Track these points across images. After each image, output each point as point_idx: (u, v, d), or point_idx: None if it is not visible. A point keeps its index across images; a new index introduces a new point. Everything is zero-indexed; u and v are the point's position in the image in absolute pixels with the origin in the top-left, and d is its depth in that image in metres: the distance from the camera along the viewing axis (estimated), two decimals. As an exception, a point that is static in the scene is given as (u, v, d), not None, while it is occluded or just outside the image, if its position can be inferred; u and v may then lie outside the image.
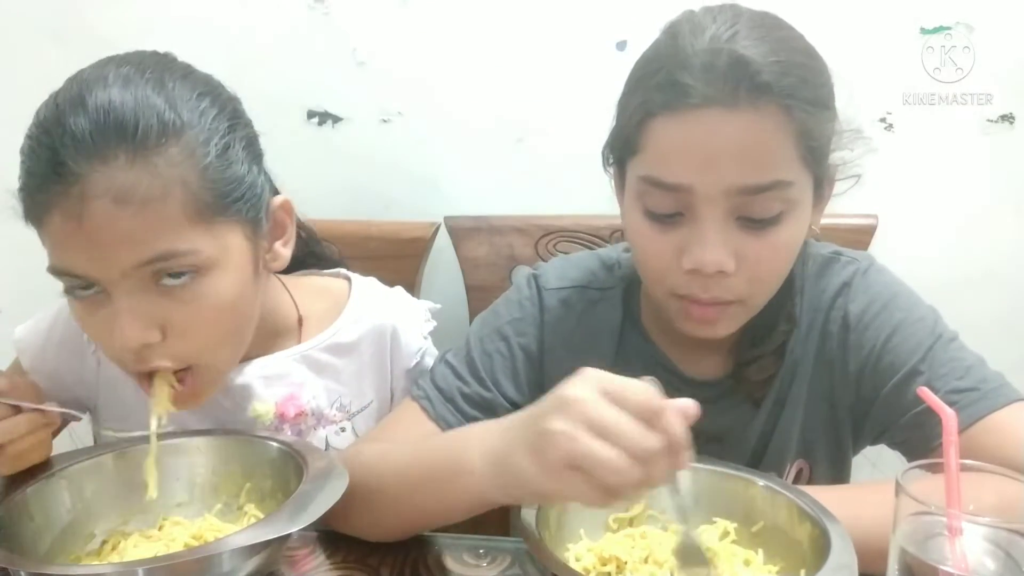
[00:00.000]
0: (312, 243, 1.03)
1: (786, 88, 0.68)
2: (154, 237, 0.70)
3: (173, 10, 1.29)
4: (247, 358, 0.89)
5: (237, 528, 0.74)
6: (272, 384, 0.90)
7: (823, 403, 0.84)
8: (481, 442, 0.63)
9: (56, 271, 0.73)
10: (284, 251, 0.84)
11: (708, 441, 0.85)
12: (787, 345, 0.83)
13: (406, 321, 0.98)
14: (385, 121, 1.31)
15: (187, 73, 0.77)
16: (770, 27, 0.71)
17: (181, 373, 0.76)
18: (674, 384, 0.85)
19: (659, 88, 0.70)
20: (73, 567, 0.68)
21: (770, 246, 0.72)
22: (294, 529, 0.62)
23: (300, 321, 0.93)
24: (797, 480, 0.87)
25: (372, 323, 0.96)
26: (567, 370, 0.86)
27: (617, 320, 0.88)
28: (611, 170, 0.82)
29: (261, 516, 0.75)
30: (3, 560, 0.60)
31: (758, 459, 0.86)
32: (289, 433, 0.91)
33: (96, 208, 0.68)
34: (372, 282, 1.01)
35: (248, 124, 0.81)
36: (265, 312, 0.86)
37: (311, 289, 0.97)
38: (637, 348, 0.87)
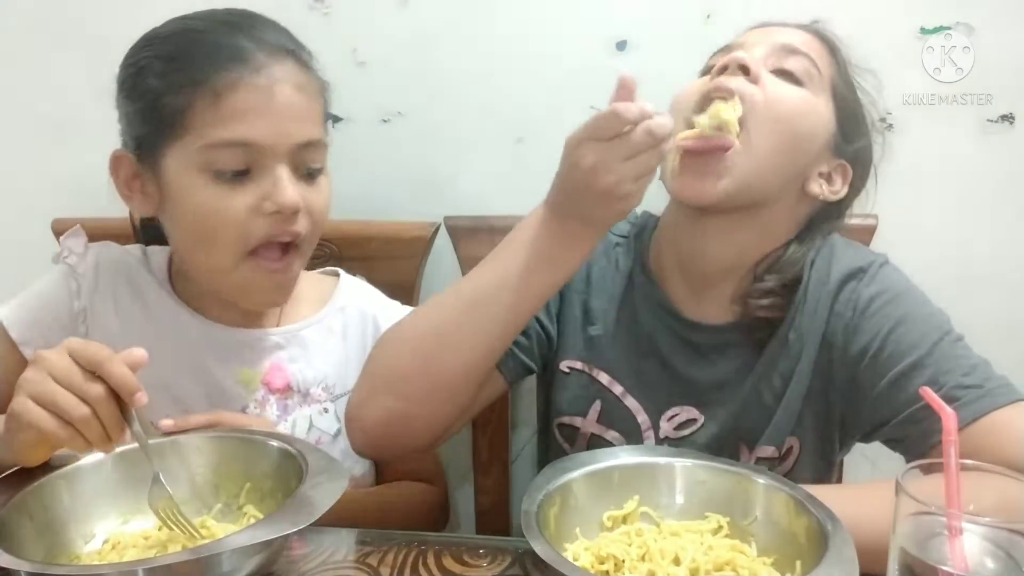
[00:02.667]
0: None
1: (838, 49, 0.90)
2: (313, 124, 0.88)
3: (173, 10, 1.29)
4: (238, 325, 0.96)
5: (237, 528, 0.74)
6: (261, 355, 0.96)
7: (820, 381, 0.86)
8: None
9: (228, 143, 0.83)
10: None
11: (701, 391, 0.87)
12: (794, 298, 0.85)
13: (387, 313, 1.03)
14: (385, 121, 1.31)
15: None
16: None
17: (287, 256, 0.89)
18: (675, 327, 0.88)
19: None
20: (73, 567, 0.68)
21: (788, 88, 0.83)
22: (294, 529, 0.62)
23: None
24: (786, 457, 0.87)
25: (357, 312, 1.03)
26: (581, 303, 0.93)
27: (628, 265, 0.94)
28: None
29: (261, 516, 0.75)
30: (3, 560, 0.60)
31: (752, 425, 0.87)
32: (275, 409, 0.95)
33: (284, 90, 0.85)
34: (358, 280, 1.09)
35: None
36: None
37: (305, 276, 1.02)
38: (644, 291, 0.92)
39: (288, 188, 0.84)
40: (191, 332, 0.96)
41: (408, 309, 1.04)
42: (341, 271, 1.08)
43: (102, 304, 0.96)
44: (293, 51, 0.88)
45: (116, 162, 0.90)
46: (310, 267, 1.05)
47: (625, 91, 0.70)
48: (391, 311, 1.04)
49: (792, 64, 0.84)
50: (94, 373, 0.68)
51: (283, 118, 0.84)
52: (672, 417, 0.90)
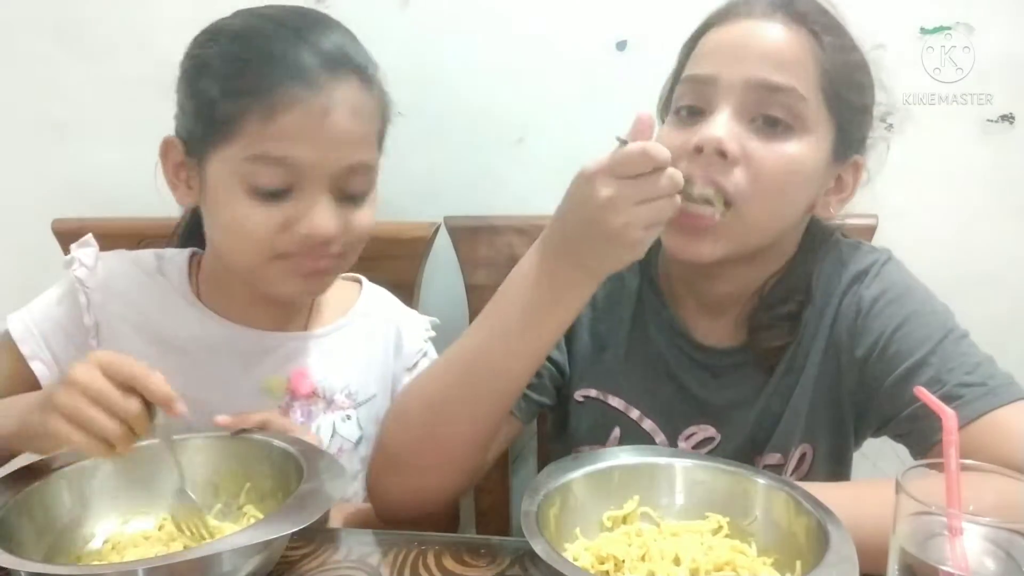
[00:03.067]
0: None
1: (819, 23, 0.80)
2: (366, 147, 0.87)
3: (173, 10, 1.29)
4: (263, 328, 0.95)
5: (237, 528, 0.74)
6: (287, 360, 0.95)
7: (829, 387, 0.85)
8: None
9: (271, 159, 0.81)
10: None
11: (714, 411, 0.87)
12: (801, 318, 0.85)
13: (409, 322, 1.04)
14: (385, 121, 1.30)
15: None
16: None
17: (329, 259, 0.88)
18: (686, 349, 0.88)
19: (718, 12, 0.84)
20: (73, 567, 0.68)
21: (774, 152, 0.77)
22: (294, 529, 0.62)
23: (312, 301, 1.00)
24: (800, 464, 0.87)
25: (381, 319, 1.02)
26: (591, 329, 0.92)
27: (635, 283, 0.92)
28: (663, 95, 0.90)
29: (261, 516, 0.75)
30: (3, 560, 0.60)
31: (765, 437, 0.87)
32: (299, 415, 0.94)
33: (340, 114, 0.82)
34: (380, 288, 1.08)
35: None
36: None
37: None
38: (654, 313, 0.91)
39: (325, 216, 0.83)
40: (215, 338, 0.93)
41: (422, 318, 1.07)
42: (363, 278, 1.07)
43: (114, 318, 0.93)
44: (358, 67, 0.85)
45: (167, 147, 0.88)
46: None
47: (642, 131, 0.66)
48: (413, 320, 1.05)
49: (776, 109, 0.78)
50: (128, 387, 0.69)
51: (333, 142, 0.82)
52: (690, 436, 0.89)
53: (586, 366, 0.92)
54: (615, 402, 0.91)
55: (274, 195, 0.82)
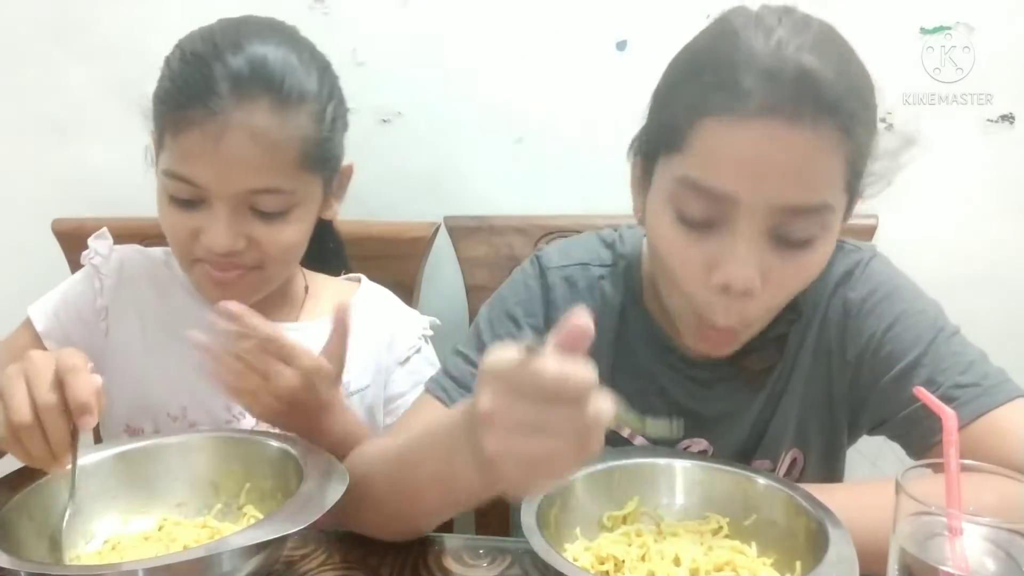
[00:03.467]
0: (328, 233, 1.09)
1: (849, 115, 0.65)
2: (271, 173, 0.85)
3: (173, 10, 1.29)
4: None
5: (237, 528, 0.74)
6: None
7: (820, 391, 0.84)
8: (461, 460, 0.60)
9: (174, 175, 0.86)
10: (336, 205, 0.99)
11: (706, 424, 0.86)
12: (788, 335, 0.83)
13: (404, 318, 1.06)
14: (385, 121, 1.31)
15: (312, 48, 0.91)
16: (834, 41, 0.69)
17: (236, 273, 0.89)
18: (674, 364, 0.86)
19: (717, 88, 0.66)
20: (73, 567, 0.68)
21: (797, 268, 0.71)
22: (294, 529, 0.62)
23: (306, 291, 1.03)
24: (791, 469, 0.87)
25: (375, 313, 1.03)
26: None
27: (619, 298, 0.87)
28: (634, 160, 0.79)
29: (261, 516, 0.75)
30: (3, 560, 0.60)
31: (755, 444, 0.86)
32: None
33: (235, 136, 0.82)
34: (380, 287, 1.10)
35: (344, 101, 0.95)
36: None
37: (324, 279, 1.07)
38: (638, 326, 0.87)
39: (218, 232, 0.85)
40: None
41: (422, 318, 1.08)
42: (363, 277, 1.09)
43: (124, 303, 0.99)
44: (271, 89, 0.84)
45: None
46: (332, 272, 1.10)
47: (574, 339, 0.49)
48: (408, 317, 1.07)
49: (803, 228, 0.68)
50: (58, 381, 0.66)
51: (228, 166, 0.83)
52: (684, 449, 0.88)
53: None
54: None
55: (187, 204, 0.87)
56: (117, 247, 1.03)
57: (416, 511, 0.72)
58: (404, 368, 1.03)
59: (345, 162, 0.97)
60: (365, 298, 1.05)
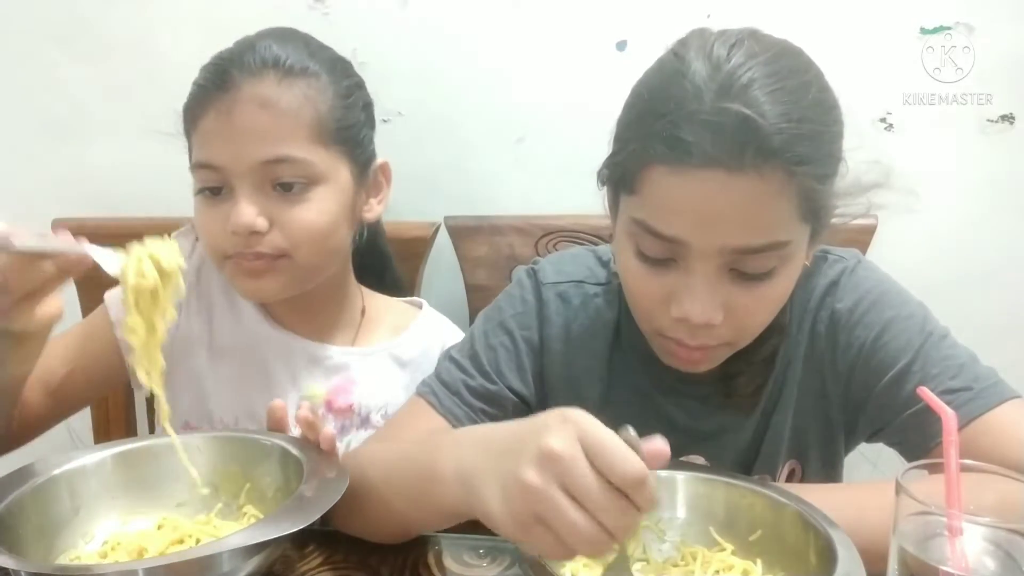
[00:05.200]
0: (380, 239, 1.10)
1: (795, 155, 0.65)
2: (283, 140, 0.86)
3: (173, 10, 1.29)
4: (313, 338, 0.98)
5: (237, 528, 0.74)
6: (331, 372, 0.97)
7: (814, 403, 0.84)
8: (454, 454, 0.62)
9: (199, 164, 0.88)
10: (378, 207, 0.99)
11: (701, 440, 0.85)
12: (776, 354, 0.83)
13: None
14: (385, 121, 1.30)
15: (320, 44, 0.95)
16: (788, 73, 0.67)
17: (263, 261, 0.88)
18: (668, 383, 0.86)
19: (660, 138, 0.67)
20: (73, 567, 0.68)
21: (760, 298, 0.72)
22: (294, 529, 0.62)
23: (363, 313, 1.03)
24: (789, 480, 0.87)
25: (431, 346, 1.01)
26: (565, 365, 0.88)
27: (613, 316, 0.88)
28: (604, 189, 0.80)
29: (261, 516, 0.75)
30: (3, 560, 0.60)
31: (751, 460, 0.86)
32: (332, 427, 0.94)
33: (244, 108, 0.85)
34: (442, 317, 1.08)
35: (370, 101, 0.98)
36: (340, 295, 1.00)
37: (384, 301, 1.07)
38: (632, 345, 0.87)
39: (241, 209, 0.86)
40: (271, 343, 0.98)
41: None
42: (424, 303, 1.08)
43: (197, 302, 1.00)
44: (276, 63, 0.88)
45: None
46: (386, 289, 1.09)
47: (656, 457, 0.53)
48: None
49: (757, 264, 0.69)
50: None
51: (241, 138, 0.85)
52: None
53: (565, 402, 0.86)
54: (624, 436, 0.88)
55: (215, 194, 0.88)
56: (199, 246, 1.01)
57: (400, 524, 0.73)
58: None
59: (381, 159, 0.98)
60: (421, 329, 1.04)
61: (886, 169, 0.76)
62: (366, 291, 1.05)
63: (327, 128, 0.89)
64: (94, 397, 1.15)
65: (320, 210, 0.89)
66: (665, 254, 0.71)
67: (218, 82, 0.87)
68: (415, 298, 1.10)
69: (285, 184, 0.87)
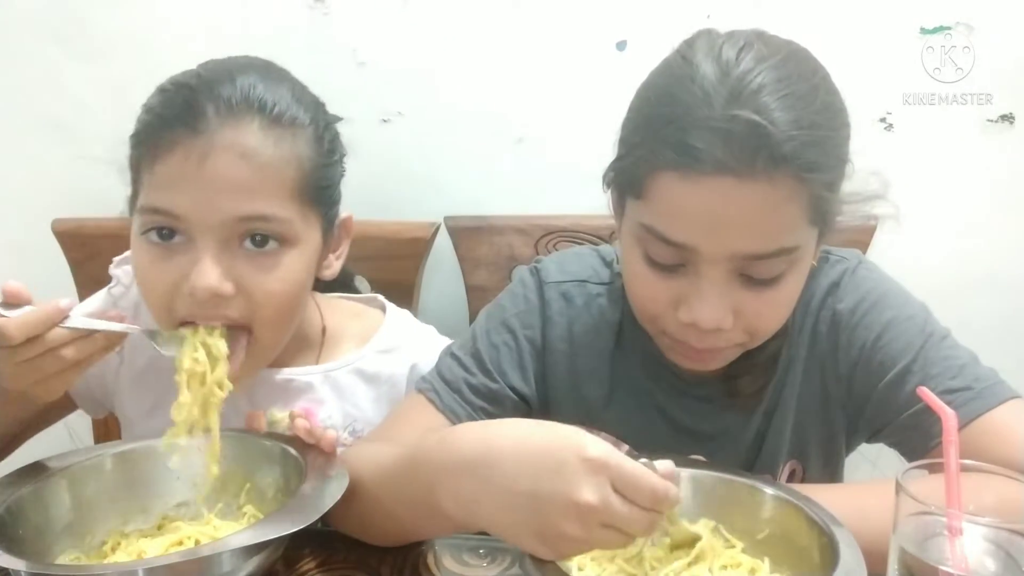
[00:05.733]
0: (346, 274, 1.03)
1: (805, 162, 0.65)
2: (263, 198, 0.77)
3: (173, 10, 1.29)
4: (274, 365, 0.91)
5: (237, 528, 0.74)
6: (293, 396, 0.92)
7: (815, 403, 0.84)
8: (451, 487, 0.60)
9: (152, 209, 0.77)
10: (336, 264, 0.90)
11: (703, 440, 0.85)
12: (779, 354, 0.83)
13: (427, 358, 0.96)
14: (385, 121, 1.31)
15: (304, 88, 0.85)
16: (797, 77, 0.67)
17: (233, 342, 0.79)
18: (670, 383, 0.86)
19: (669, 144, 0.66)
20: (73, 567, 0.68)
21: (769, 301, 0.72)
22: (294, 529, 0.62)
23: (324, 332, 0.95)
24: (790, 480, 0.87)
25: (398, 356, 0.96)
26: (568, 364, 0.88)
27: (616, 316, 0.88)
28: (609, 192, 0.80)
29: (261, 516, 0.75)
30: (3, 560, 0.60)
31: (752, 460, 0.86)
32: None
33: (221, 156, 0.75)
34: (406, 316, 1.03)
35: (342, 146, 0.88)
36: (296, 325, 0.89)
37: (344, 311, 0.99)
38: (635, 345, 0.87)
39: (205, 269, 0.75)
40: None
41: (444, 342, 0.99)
42: (388, 304, 1.01)
43: (138, 345, 0.90)
44: (262, 108, 0.77)
45: None
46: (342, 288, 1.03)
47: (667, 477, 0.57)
48: (431, 355, 0.95)
49: (767, 270, 0.70)
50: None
51: (214, 189, 0.75)
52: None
53: (567, 402, 0.88)
54: (603, 437, 0.87)
55: (165, 244, 0.77)
56: None
57: (397, 529, 0.73)
58: None
59: (344, 211, 0.90)
60: (387, 337, 0.97)
61: (885, 181, 0.77)
62: (324, 304, 0.97)
63: (310, 187, 0.80)
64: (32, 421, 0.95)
65: (287, 279, 0.80)
66: (674, 260, 0.71)
67: (187, 119, 0.75)
68: (375, 296, 1.03)
69: (258, 239, 0.77)
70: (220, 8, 1.29)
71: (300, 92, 0.83)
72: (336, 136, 0.87)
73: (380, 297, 1.03)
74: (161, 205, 0.76)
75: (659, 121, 0.68)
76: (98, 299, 0.96)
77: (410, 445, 0.68)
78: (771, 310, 0.73)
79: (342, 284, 1.03)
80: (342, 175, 0.88)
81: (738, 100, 0.64)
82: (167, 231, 0.77)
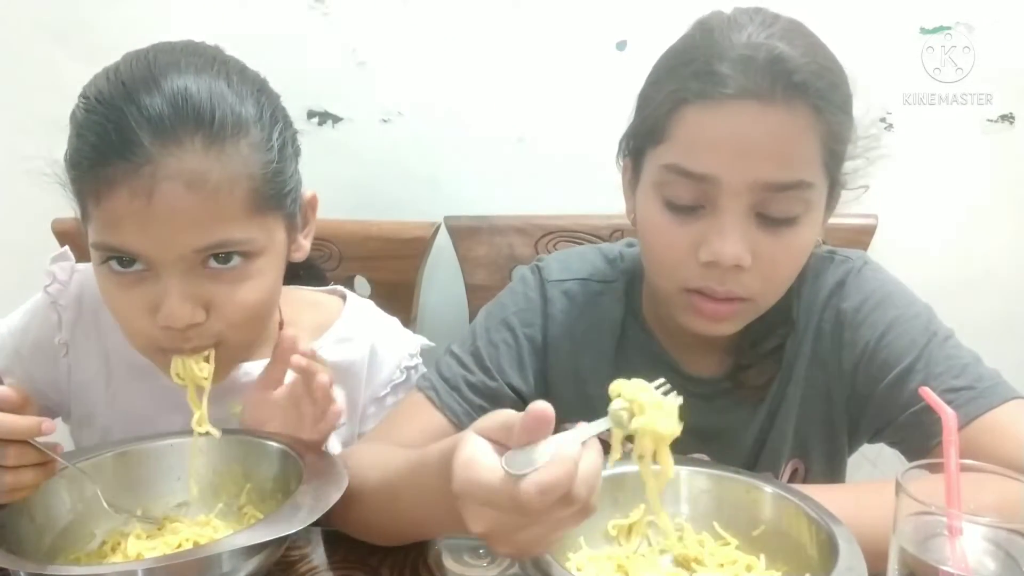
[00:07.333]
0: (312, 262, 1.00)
1: (819, 90, 0.70)
2: (219, 224, 0.72)
3: (173, 10, 1.29)
4: None
5: (237, 528, 0.74)
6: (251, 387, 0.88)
7: (819, 402, 0.84)
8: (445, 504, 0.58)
9: (106, 247, 0.74)
10: (305, 243, 0.86)
11: (706, 439, 0.85)
12: (784, 348, 0.83)
13: (389, 351, 0.95)
14: (385, 121, 1.31)
15: (241, 68, 0.79)
16: (803, 33, 0.73)
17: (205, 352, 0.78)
18: (674, 381, 0.85)
19: (695, 76, 0.71)
20: (73, 567, 0.68)
21: (785, 246, 0.73)
22: (294, 529, 0.62)
23: (281, 325, 0.91)
24: (792, 479, 0.87)
25: (356, 345, 0.94)
26: (571, 362, 0.88)
27: (619, 314, 0.88)
28: (624, 162, 0.82)
29: (261, 516, 0.75)
30: (3, 560, 0.60)
31: (755, 458, 0.86)
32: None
33: (168, 189, 0.69)
34: (367, 305, 1.00)
35: (291, 123, 0.83)
36: None
37: (301, 301, 0.96)
38: (638, 343, 0.87)
39: (173, 305, 0.72)
40: None
41: (419, 340, 0.99)
42: (349, 294, 0.99)
43: (85, 337, 0.90)
44: (202, 124, 0.71)
45: None
46: (313, 280, 1.01)
47: (537, 428, 0.53)
48: (392, 346, 0.96)
49: (785, 206, 0.72)
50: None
51: (166, 226, 0.70)
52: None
53: (570, 399, 0.88)
54: (607, 435, 0.88)
55: (127, 272, 0.74)
56: (79, 267, 0.91)
57: (401, 529, 0.73)
58: (380, 404, 0.95)
59: (308, 191, 0.86)
60: (346, 327, 0.94)
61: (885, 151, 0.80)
62: (285, 303, 0.91)
63: (264, 195, 0.75)
64: None
65: (257, 287, 0.77)
66: (695, 199, 0.73)
67: (123, 151, 0.69)
68: (336, 287, 1.01)
69: (221, 257, 0.74)
70: (220, 8, 1.29)
71: (237, 82, 0.75)
72: (283, 121, 0.80)
73: (341, 288, 1.01)
74: (115, 244, 0.73)
75: (682, 63, 0.74)
76: (38, 305, 0.92)
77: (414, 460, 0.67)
78: (786, 256, 0.74)
79: (308, 271, 1.00)
80: (297, 156, 0.83)
81: (756, 37, 0.70)
82: (127, 259, 0.74)
